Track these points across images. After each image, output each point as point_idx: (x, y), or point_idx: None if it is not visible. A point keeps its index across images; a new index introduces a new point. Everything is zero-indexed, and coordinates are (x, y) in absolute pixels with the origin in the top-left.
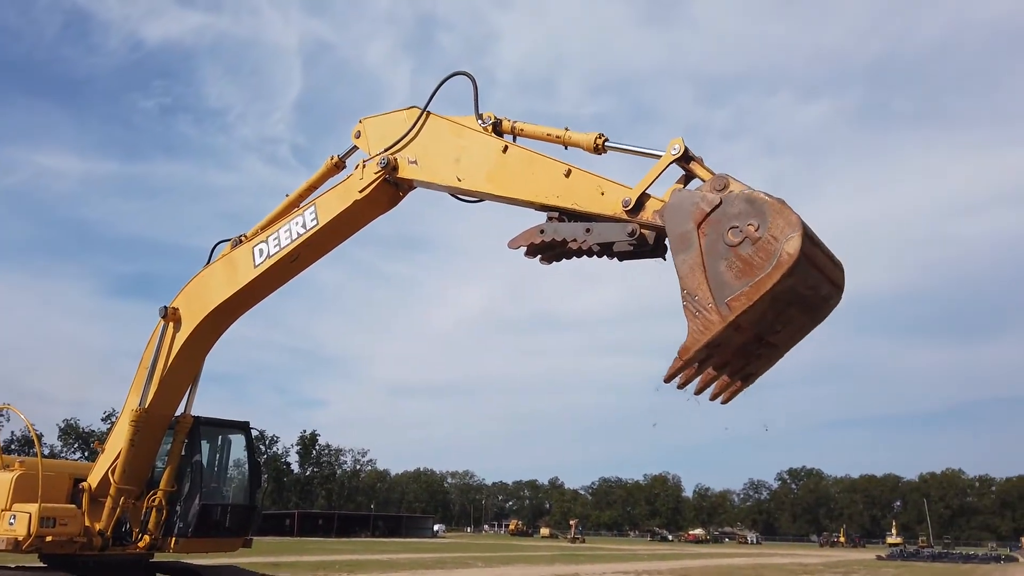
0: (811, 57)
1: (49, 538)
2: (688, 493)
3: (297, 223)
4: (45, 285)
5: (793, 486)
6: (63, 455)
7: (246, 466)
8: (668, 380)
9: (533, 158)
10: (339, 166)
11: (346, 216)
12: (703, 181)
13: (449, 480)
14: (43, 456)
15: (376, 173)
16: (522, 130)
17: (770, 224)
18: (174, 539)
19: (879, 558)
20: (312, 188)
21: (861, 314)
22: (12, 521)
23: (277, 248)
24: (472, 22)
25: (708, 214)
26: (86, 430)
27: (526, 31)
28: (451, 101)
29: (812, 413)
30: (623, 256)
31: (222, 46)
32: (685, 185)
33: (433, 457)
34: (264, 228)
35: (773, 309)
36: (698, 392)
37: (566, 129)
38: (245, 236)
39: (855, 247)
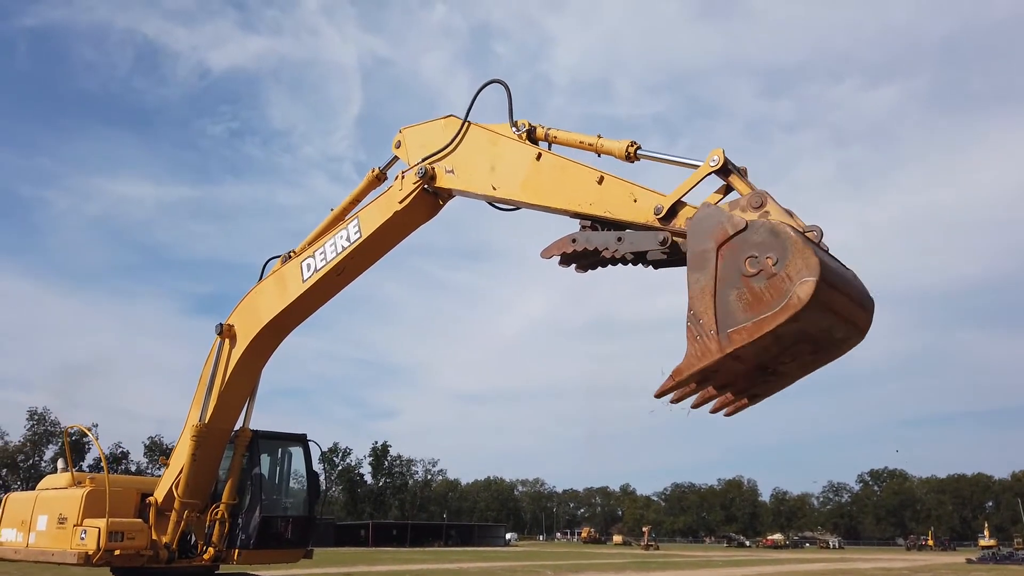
0: (878, 39)
1: (117, 552)
2: (765, 497)
3: (342, 236)
4: (128, 307)
5: (876, 488)
6: (148, 471)
7: (304, 478)
8: (658, 396)
9: (566, 165)
10: (380, 178)
11: (388, 227)
12: (741, 195)
13: (519, 488)
14: (129, 473)
15: (415, 183)
16: (555, 137)
17: (788, 262)
18: (237, 551)
19: (969, 561)
20: (355, 201)
21: (945, 305)
22: (83, 536)
23: (324, 262)
24: (526, 29)
25: (731, 237)
26: (169, 447)
27: (580, 34)
28: (494, 107)
29: (894, 411)
30: (657, 264)
31: (284, 68)
32: (724, 196)
33: (503, 465)
34: (311, 243)
35: (777, 346)
36: (695, 407)
37: (598, 136)
38: (294, 252)
39: (932, 235)
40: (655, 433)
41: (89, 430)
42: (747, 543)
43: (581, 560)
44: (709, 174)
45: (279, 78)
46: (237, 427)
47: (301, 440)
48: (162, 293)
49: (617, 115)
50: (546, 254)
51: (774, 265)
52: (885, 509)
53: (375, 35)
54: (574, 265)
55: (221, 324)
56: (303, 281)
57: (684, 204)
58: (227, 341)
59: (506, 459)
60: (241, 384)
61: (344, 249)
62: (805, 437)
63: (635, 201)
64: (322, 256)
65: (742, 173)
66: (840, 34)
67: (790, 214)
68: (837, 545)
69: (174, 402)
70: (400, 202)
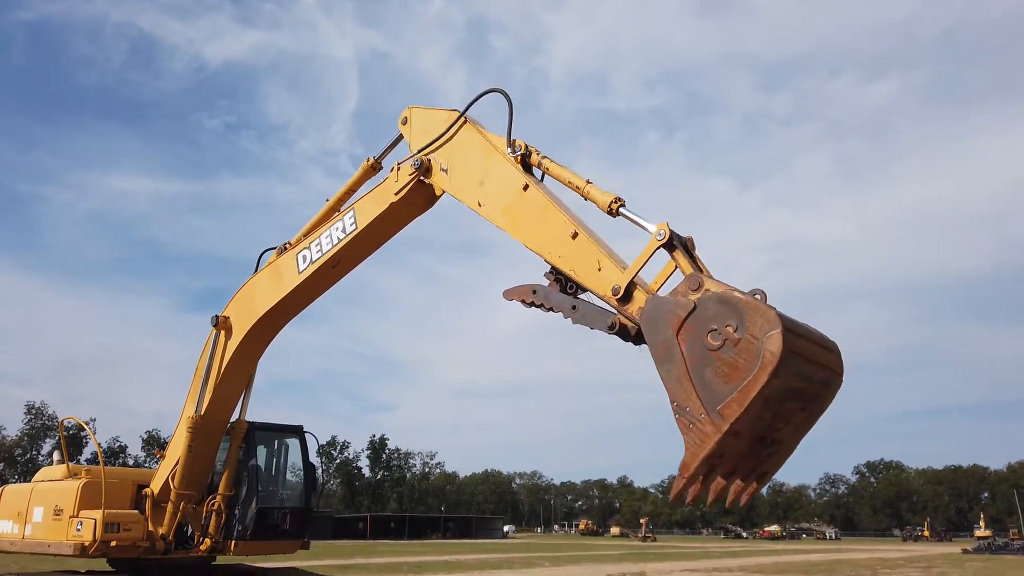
0: (876, 34)
1: (114, 543)
2: (762, 489)
3: (337, 228)
4: (125, 303)
5: (872, 479)
6: (146, 465)
7: (301, 470)
8: (675, 500)
9: (548, 208)
10: (376, 167)
11: (384, 219)
12: (683, 274)
13: (517, 481)
14: (127, 467)
15: (410, 175)
16: (548, 169)
17: (748, 323)
18: (234, 542)
19: (965, 552)
20: (351, 191)
21: (940, 299)
22: (79, 527)
23: (319, 254)
24: (524, 23)
25: (684, 320)
26: (166, 440)
27: (578, 28)
28: (497, 113)
29: (889, 404)
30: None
31: (281, 62)
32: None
33: (500, 459)
34: (307, 234)
35: (768, 409)
36: (710, 505)
37: (588, 182)
38: (289, 243)
39: (929, 229)
40: (652, 426)
41: (86, 423)
42: (744, 535)
43: (579, 552)
44: (657, 249)
45: (276, 72)
46: (233, 419)
47: (298, 432)
48: (159, 289)
49: (615, 108)
50: (508, 296)
51: (736, 331)
52: (881, 500)
53: (372, 29)
54: (533, 306)
55: (217, 316)
56: (299, 273)
57: (636, 286)
58: (223, 333)
59: (504, 453)
60: (237, 376)
61: (339, 241)
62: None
63: (599, 270)
64: (317, 248)
65: (689, 245)
66: (838, 28)
67: (725, 291)
68: (834, 536)
69: (171, 397)
70: (396, 193)
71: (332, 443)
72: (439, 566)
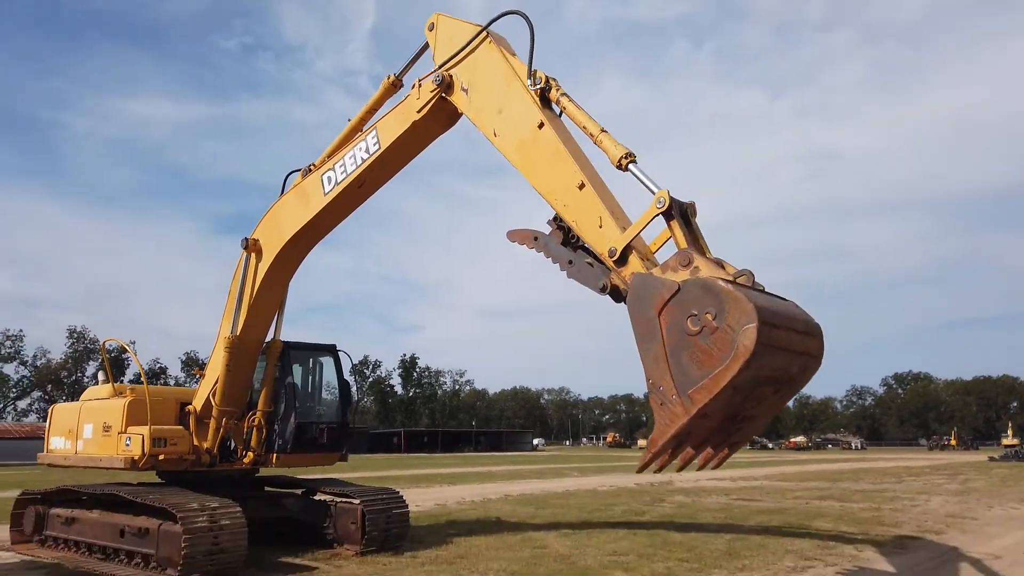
0: None
1: (162, 456)
2: (788, 401)
3: (361, 148)
4: (155, 228)
5: (900, 391)
6: (187, 384)
7: (336, 387)
8: (640, 472)
9: (559, 153)
10: (396, 85)
11: (407, 137)
12: (677, 245)
13: (545, 397)
14: (167, 386)
15: (432, 91)
16: (565, 108)
17: (727, 314)
18: (275, 455)
19: (991, 459)
20: (373, 110)
21: (973, 209)
22: (128, 442)
23: (344, 175)
24: None
25: (667, 301)
26: (204, 361)
27: None
28: (517, 39)
29: (920, 316)
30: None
31: None
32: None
33: (529, 376)
34: (331, 155)
35: (739, 394)
36: (679, 470)
37: (602, 130)
38: (314, 165)
39: (968, 137)
40: None
41: (127, 345)
42: (770, 445)
43: (607, 463)
44: (656, 216)
45: None
46: (268, 339)
47: (331, 350)
48: (187, 214)
49: (640, 18)
50: (510, 238)
51: (714, 319)
52: (908, 411)
53: None
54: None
55: (246, 239)
56: (324, 195)
57: (633, 249)
58: (253, 255)
59: (532, 371)
60: (269, 296)
61: (363, 161)
62: (831, 343)
63: (600, 227)
64: (342, 169)
65: (690, 212)
66: None
67: (720, 264)
68: (859, 446)
69: (206, 319)
70: (418, 111)
71: (364, 362)
72: (472, 477)
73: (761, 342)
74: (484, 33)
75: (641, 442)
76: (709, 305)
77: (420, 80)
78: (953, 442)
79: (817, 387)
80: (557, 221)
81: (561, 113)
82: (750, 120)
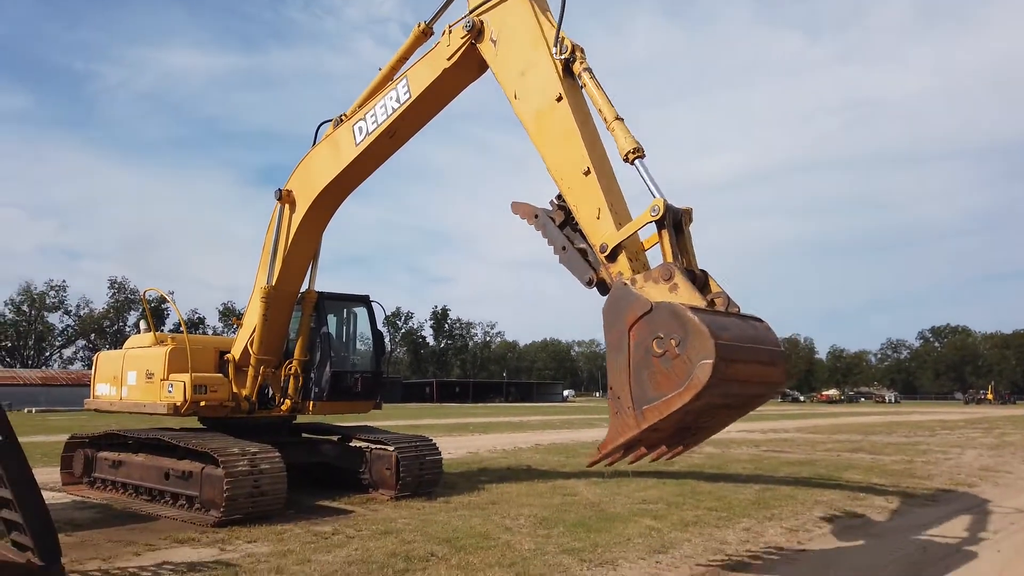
0: None
1: (202, 403)
2: (822, 355)
3: (391, 98)
4: (190, 179)
5: (937, 344)
6: (225, 334)
7: (370, 337)
8: (590, 467)
9: (571, 133)
10: (427, 33)
11: (438, 85)
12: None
13: (576, 349)
14: (205, 335)
15: (463, 38)
16: (585, 85)
17: (689, 344)
18: (312, 403)
19: None
20: (403, 59)
21: (1018, 157)
22: (170, 389)
23: (375, 125)
24: None
25: (639, 318)
26: (241, 311)
27: None
28: None
29: (959, 268)
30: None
31: None
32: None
33: (559, 328)
34: (361, 105)
35: (690, 416)
36: (631, 463)
37: (617, 117)
38: (345, 115)
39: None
40: None
41: (167, 294)
42: (801, 398)
43: None
44: (649, 223)
45: None
46: (303, 289)
47: (364, 301)
48: (220, 165)
49: None
50: (514, 210)
51: (677, 346)
52: (945, 364)
53: None
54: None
55: (280, 190)
56: (356, 145)
57: (624, 248)
58: (287, 206)
59: (562, 323)
60: (303, 247)
61: (394, 111)
62: (867, 297)
63: (597, 218)
64: (373, 119)
65: (684, 220)
66: None
67: (704, 279)
68: (893, 400)
69: (241, 270)
70: (448, 58)
71: (397, 313)
72: (503, 427)
73: (716, 377)
74: None
75: None
76: (675, 331)
77: (451, 26)
78: (990, 396)
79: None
80: (560, 200)
81: (584, 87)
82: (787, 66)
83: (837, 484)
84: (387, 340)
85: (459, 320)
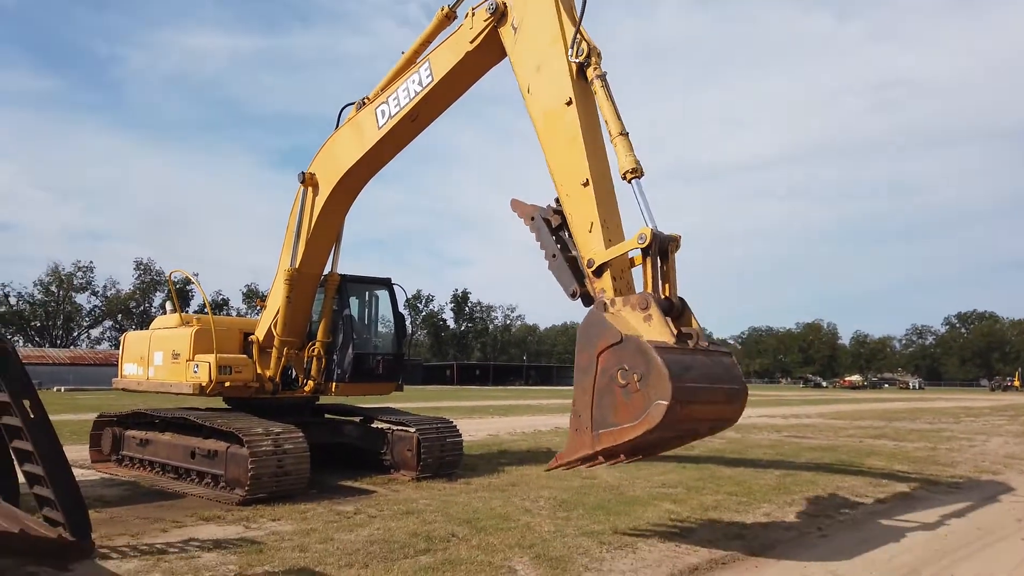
0: None
1: (227, 383)
2: (845, 341)
3: (414, 81)
4: (213, 161)
5: (963, 330)
6: (248, 315)
7: (391, 319)
8: (548, 471)
9: (575, 139)
10: (450, 17)
11: (460, 68)
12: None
13: None
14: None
15: (486, 20)
16: (596, 92)
17: (649, 382)
18: (334, 384)
19: None
20: (426, 43)
21: None
22: (196, 369)
23: (397, 108)
24: None
25: (608, 347)
26: (265, 293)
27: None
28: None
29: (987, 253)
30: None
31: None
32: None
33: (580, 313)
34: (384, 88)
35: (643, 444)
36: (588, 468)
37: (621, 132)
38: (368, 98)
39: None
40: (733, 278)
41: (192, 276)
42: (824, 384)
43: None
44: (633, 248)
45: None
46: (326, 271)
47: (386, 284)
48: (243, 148)
49: None
50: (512, 207)
51: (639, 382)
52: (971, 351)
53: None
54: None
55: (303, 173)
56: (378, 128)
57: (609, 266)
58: (310, 189)
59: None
60: (326, 230)
61: (417, 94)
62: (891, 282)
63: (589, 231)
64: (395, 102)
65: (671, 248)
66: None
67: (681, 309)
68: (918, 386)
69: (264, 252)
70: (471, 41)
71: (417, 296)
72: (523, 409)
73: (669, 417)
74: None
75: None
76: (639, 367)
77: (474, 8)
78: (1016, 383)
79: (875, 326)
80: (559, 204)
81: (597, 92)
82: (815, 47)
83: (859, 470)
84: (408, 323)
85: (479, 303)
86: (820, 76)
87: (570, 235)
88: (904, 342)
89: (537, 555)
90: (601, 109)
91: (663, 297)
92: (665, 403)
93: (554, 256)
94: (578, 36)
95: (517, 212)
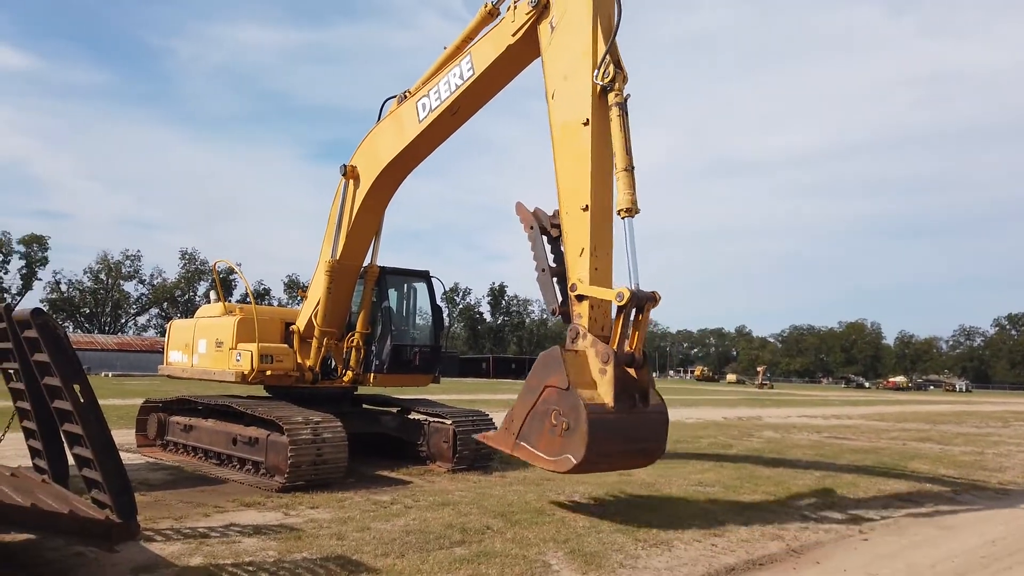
0: None
1: (269, 372)
2: (889, 340)
3: (455, 74)
4: (258, 153)
5: (1013, 332)
6: (290, 305)
7: (429, 312)
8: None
9: (583, 161)
10: (493, 14)
11: (501, 62)
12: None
13: None
14: (271, 306)
15: (527, 13)
16: (611, 121)
17: (572, 439)
18: (373, 375)
19: None
20: (468, 38)
21: None
22: (238, 358)
23: (438, 101)
24: None
25: (556, 388)
26: (306, 284)
27: None
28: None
29: None
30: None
31: None
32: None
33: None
34: (425, 82)
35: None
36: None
37: (626, 169)
38: (409, 92)
39: None
40: (773, 275)
41: (236, 266)
42: (867, 384)
43: (695, 396)
44: (610, 302)
45: None
46: (366, 263)
47: (424, 276)
48: (287, 140)
49: None
50: (517, 211)
51: (564, 431)
52: (1022, 353)
53: None
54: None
55: (345, 165)
56: (419, 121)
57: (589, 298)
58: (351, 182)
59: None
60: (367, 222)
61: (457, 87)
62: (937, 281)
63: (579, 256)
64: (436, 95)
65: (647, 306)
66: None
67: (644, 359)
68: (964, 389)
69: (306, 243)
70: (513, 35)
71: (455, 289)
72: None
73: (576, 470)
74: None
75: (731, 376)
76: (569, 418)
77: (516, 2)
78: None
79: (921, 326)
80: (557, 217)
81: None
82: (864, 40)
83: (902, 474)
84: (445, 315)
85: (516, 297)
86: (866, 71)
87: (564, 251)
88: (951, 343)
89: (572, 550)
90: (612, 138)
91: (627, 351)
92: (575, 461)
93: (544, 271)
94: (607, 57)
95: (520, 217)
